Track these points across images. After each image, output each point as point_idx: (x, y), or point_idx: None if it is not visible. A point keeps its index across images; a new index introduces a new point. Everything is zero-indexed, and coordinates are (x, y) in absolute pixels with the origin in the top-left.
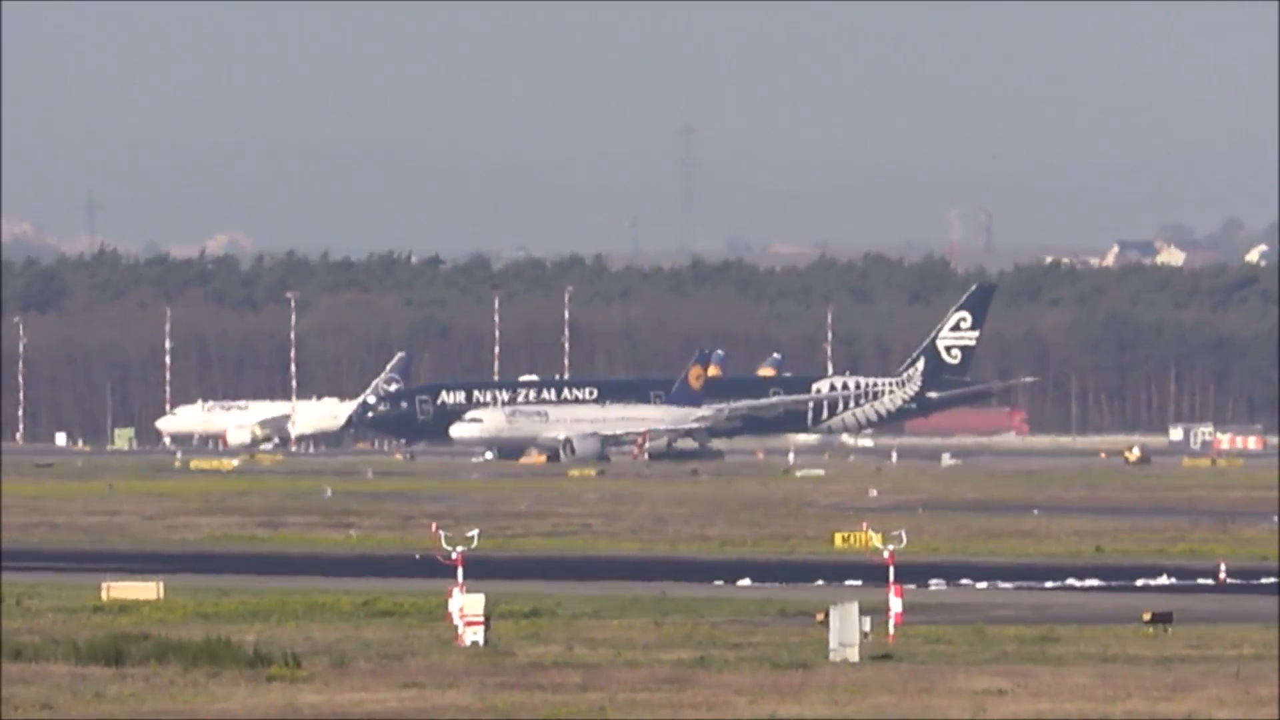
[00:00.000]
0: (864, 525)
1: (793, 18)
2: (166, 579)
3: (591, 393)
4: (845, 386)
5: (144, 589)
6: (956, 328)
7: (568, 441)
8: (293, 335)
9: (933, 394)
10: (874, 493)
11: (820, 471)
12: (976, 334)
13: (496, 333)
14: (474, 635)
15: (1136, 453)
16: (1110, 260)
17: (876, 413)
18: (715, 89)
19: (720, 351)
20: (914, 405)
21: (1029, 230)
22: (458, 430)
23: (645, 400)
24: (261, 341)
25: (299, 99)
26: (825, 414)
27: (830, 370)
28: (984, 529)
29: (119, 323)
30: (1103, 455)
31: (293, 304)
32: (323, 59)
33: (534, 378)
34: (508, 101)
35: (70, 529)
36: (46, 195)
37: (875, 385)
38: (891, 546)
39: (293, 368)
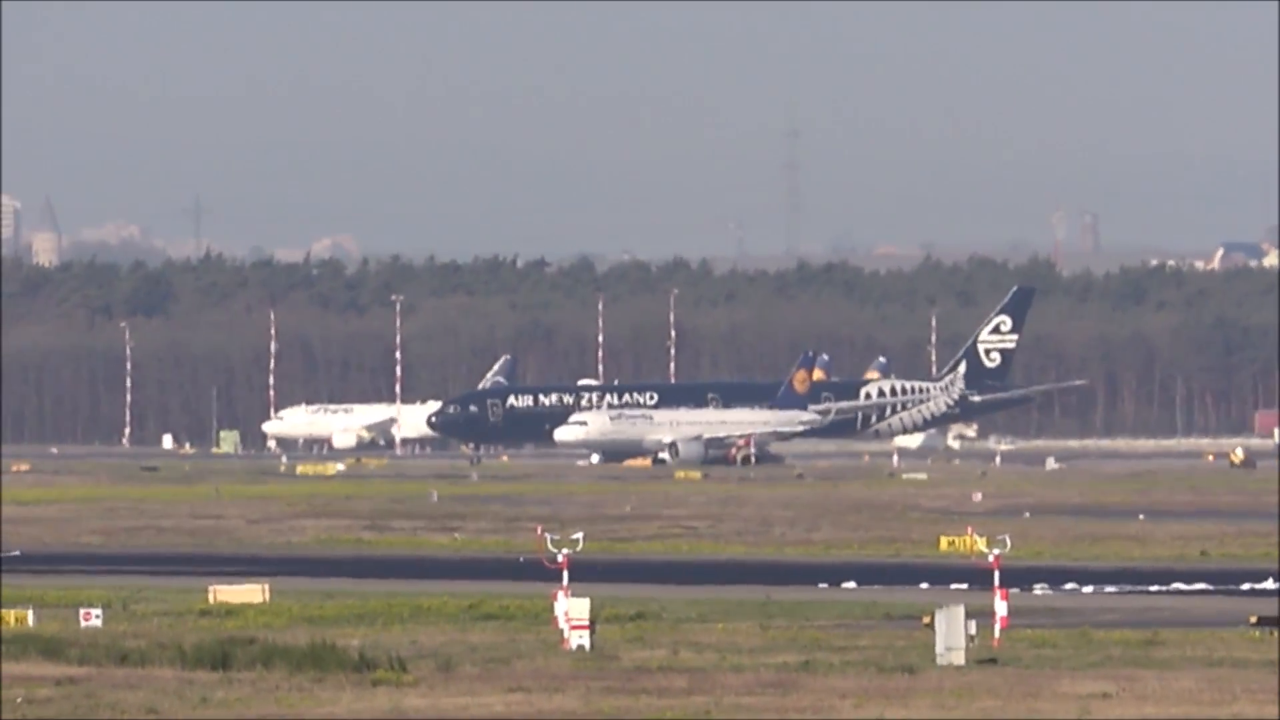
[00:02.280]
0: (969, 529)
1: (896, 21)
2: (272, 582)
3: (652, 397)
4: (893, 391)
5: (250, 593)
6: (997, 330)
7: (673, 444)
8: (398, 338)
9: (976, 397)
10: (978, 497)
11: (924, 475)
12: (1016, 337)
13: (600, 336)
14: (580, 639)
15: (1241, 455)
16: (1216, 263)
17: (923, 416)
18: (820, 92)
19: (825, 355)
20: (957, 409)
21: (1135, 233)
22: (562, 433)
23: (703, 404)
24: (366, 345)
25: (405, 103)
26: (875, 419)
27: (934, 373)
28: (1089, 533)
29: (224, 326)
30: (1209, 458)
31: (398, 307)
32: (430, 64)
33: (592, 381)
34: (614, 105)
35: (177, 532)
36: (153, 199)
37: (920, 390)
38: (997, 550)
39: (398, 371)
